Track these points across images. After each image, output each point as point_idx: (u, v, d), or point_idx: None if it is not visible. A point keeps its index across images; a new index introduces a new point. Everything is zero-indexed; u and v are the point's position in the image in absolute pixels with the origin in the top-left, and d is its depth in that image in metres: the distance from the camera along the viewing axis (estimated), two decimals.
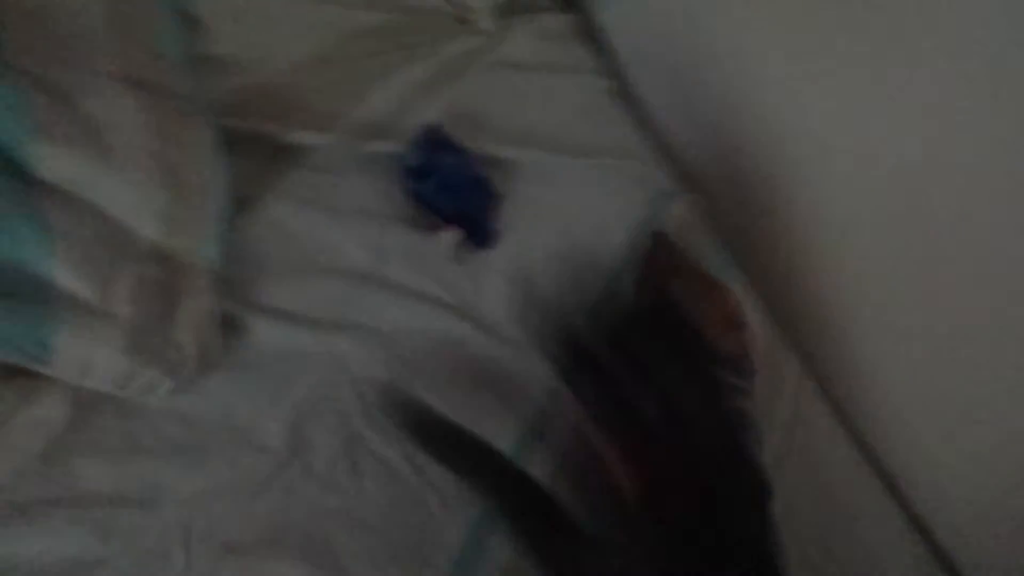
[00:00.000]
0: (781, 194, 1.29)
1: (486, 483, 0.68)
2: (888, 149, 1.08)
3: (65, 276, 0.63)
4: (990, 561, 1.21)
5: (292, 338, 0.78)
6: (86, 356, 0.60)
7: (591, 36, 1.49)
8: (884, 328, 1.18)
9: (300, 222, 0.85)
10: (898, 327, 1.16)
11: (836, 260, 1.23)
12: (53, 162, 0.66)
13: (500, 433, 0.84)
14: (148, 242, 0.68)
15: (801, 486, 1.04)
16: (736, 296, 1.09)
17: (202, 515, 0.65)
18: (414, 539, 0.74)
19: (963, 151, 0.98)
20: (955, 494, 1.22)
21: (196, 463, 0.67)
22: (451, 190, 0.96)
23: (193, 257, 0.70)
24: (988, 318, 1.02)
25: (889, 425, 1.25)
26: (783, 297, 1.31)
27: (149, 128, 0.70)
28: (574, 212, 1.13)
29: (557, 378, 0.54)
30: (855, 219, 1.16)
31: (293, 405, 0.75)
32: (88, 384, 0.62)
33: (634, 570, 0.50)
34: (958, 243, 1.02)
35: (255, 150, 0.87)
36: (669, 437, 0.50)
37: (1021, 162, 0.91)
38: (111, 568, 0.60)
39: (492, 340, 0.91)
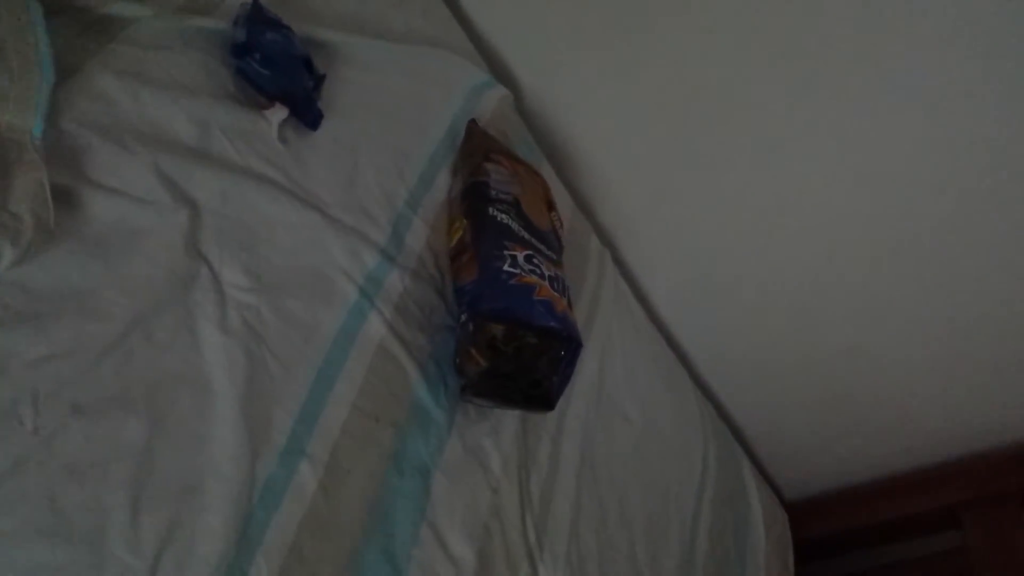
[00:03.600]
0: (572, 88, 1.41)
1: None
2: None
3: None
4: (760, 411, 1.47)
5: (125, 212, 0.77)
6: None
7: None
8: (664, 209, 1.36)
9: (125, 96, 0.83)
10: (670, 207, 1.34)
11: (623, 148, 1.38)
12: None
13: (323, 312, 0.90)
14: None
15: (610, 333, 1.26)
16: (544, 179, 1.20)
17: (49, 378, 0.66)
18: (257, 400, 0.79)
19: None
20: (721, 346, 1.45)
21: (39, 330, 0.67)
22: (276, 67, 0.96)
23: (22, 131, 0.69)
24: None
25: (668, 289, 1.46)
26: (582, 179, 1.45)
27: None
28: (394, 98, 1.17)
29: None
30: (636, 113, 1.30)
31: (131, 276, 0.76)
32: None
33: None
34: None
35: (72, 21, 0.84)
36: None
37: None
38: None
39: (317, 218, 0.95)
